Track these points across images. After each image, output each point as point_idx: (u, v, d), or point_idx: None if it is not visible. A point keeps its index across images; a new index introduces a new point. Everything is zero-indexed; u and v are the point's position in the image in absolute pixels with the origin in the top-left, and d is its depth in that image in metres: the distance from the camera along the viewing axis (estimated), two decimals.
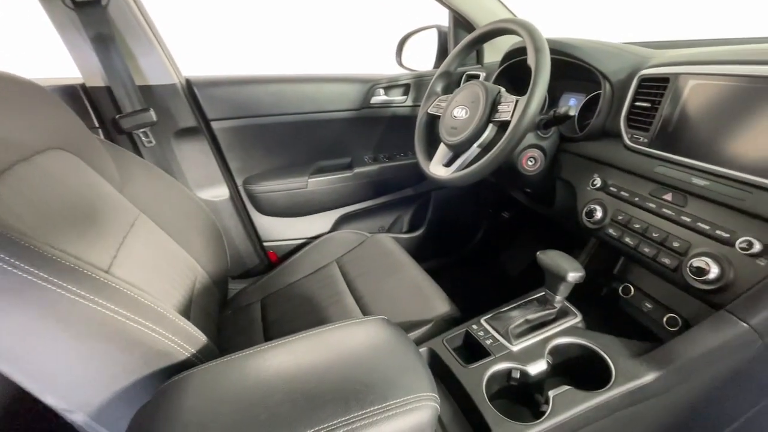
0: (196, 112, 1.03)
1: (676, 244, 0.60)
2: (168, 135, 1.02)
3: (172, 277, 0.78)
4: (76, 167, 0.67)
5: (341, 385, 0.44)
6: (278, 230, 1.25)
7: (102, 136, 0.93)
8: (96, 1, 0.82)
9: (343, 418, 0.40)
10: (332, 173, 1.23)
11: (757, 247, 0.51)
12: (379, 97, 1.23)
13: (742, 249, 0.52)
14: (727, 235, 0.54)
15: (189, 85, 1.02)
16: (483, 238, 1.59)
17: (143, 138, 0.96)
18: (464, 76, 1.24)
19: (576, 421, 0.55)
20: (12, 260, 0.40)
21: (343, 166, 1.27)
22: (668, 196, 0.64)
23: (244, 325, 0.92)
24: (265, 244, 1.24)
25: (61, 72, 0.96)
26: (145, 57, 0.94)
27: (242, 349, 0.50)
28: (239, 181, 1.16)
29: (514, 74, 1.04)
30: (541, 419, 0.54)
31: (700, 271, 0.55)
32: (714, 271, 0.54)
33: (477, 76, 1.19)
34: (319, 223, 1.29)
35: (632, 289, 0.77)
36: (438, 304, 0.83)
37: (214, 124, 1.07)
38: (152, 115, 0.94)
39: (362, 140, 1.29)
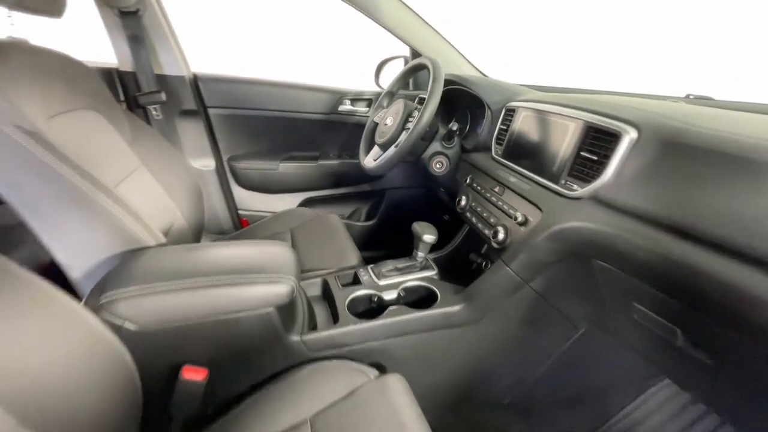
0: (197, 99, 1.35)
1: (492, 220, 0.87)
2: (173, 113, 1.33)
3: (155, 214, 1.07)
4: (101, 123, 0.97)
5: (241, 265, 0.72)
6: (252, 202, 1.54)
7: (125, 108, 1.25)
8: (134, 12, 1.15)
9: (236, 276, 0.68)
10: (300, 162, 1.53)
11: (521, 219, 0.77)
12: (346, 107, 1.53)
13: (516, 220, 0.79)
14: (513, 212, 0.81)
15: (195, 79, 1.34)
16: None
17: (154, 113, 1.27)
18: (417, 98, 1.54)
19: (400, 326, 0.81)
20: (58, 166, 0.69)
21: (311, 157, 1.57)
22: (497, 189, 0.91)
23: None
24: (239, 211, 1.53)
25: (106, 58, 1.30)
26: (165, 54, 1.26)
27: None
28: (225, 158, 1.47)
29: (447, 99, 1.33)
30: (374, 318, 0.80)
31: (498, 237, 0.82)
32: (501, 236, 0.81)
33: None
34: (287, 201, 1.58)
35: (490, 263, 1.03)
36: (350, 258, 1.10)
37: (211, 111, 1.38)
38: (162, 96, 1.26)
39: (329, 140, 1.59)
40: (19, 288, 0.50)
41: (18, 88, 0.73)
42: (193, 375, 0.67)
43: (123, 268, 0.70)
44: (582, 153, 0.70)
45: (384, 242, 1.79)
